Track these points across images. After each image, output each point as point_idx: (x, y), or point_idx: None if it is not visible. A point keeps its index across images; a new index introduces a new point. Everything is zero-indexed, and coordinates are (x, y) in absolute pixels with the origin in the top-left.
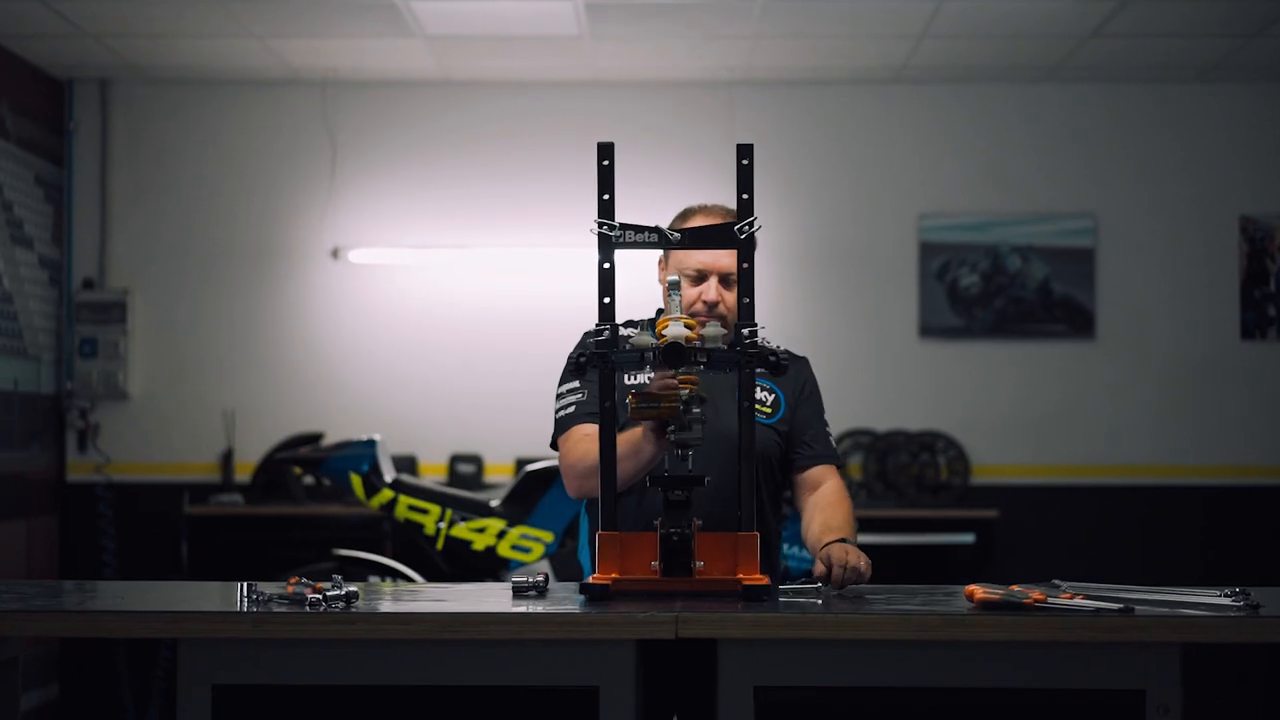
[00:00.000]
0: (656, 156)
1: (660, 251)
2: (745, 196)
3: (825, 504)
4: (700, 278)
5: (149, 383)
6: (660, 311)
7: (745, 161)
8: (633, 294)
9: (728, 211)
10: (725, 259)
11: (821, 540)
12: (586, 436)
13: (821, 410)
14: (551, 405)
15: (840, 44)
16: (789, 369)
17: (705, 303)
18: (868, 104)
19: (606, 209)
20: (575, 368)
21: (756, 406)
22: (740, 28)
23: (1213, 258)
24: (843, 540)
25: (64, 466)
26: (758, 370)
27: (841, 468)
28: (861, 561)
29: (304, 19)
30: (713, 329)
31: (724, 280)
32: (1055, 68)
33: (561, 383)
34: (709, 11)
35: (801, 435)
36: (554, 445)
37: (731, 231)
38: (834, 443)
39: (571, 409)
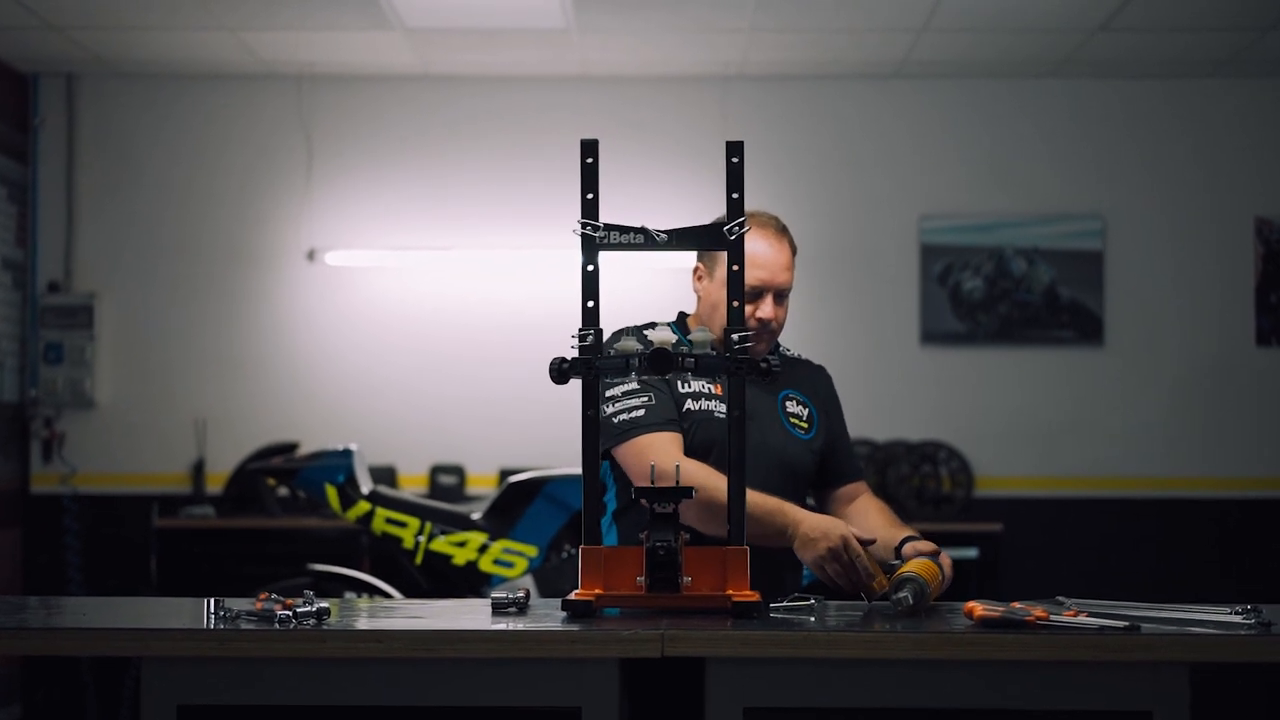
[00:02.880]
0: (646, 155)
1: (694, 256)
2: (735, 196)
3: (878, 507)
4: (753, 294)
5: (117, 390)
6: (683, 314)
7: (735, 160)
8: (621, 296)
9: (770, 218)
10: (783, 275)
11: (898, 536)
12: (675, 452)
13: (845, 424)
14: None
15: (838, 37)
16: (803, 377)
17: (759, 320)
18: (867, 100)
19: (590, 209)
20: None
21: (794, 422)
22: (735, 20)
23: (1226, 260)
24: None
25: (28, 477)
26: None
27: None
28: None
29: (278, 11)
30: (701, 334)
31: (778, 296)
32: (1062, 62)
33: (607, 387)
34: (702, 3)
35: (834, 452)
36: (604, 454)
37: (721, 233)
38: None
39: (641, 413)
